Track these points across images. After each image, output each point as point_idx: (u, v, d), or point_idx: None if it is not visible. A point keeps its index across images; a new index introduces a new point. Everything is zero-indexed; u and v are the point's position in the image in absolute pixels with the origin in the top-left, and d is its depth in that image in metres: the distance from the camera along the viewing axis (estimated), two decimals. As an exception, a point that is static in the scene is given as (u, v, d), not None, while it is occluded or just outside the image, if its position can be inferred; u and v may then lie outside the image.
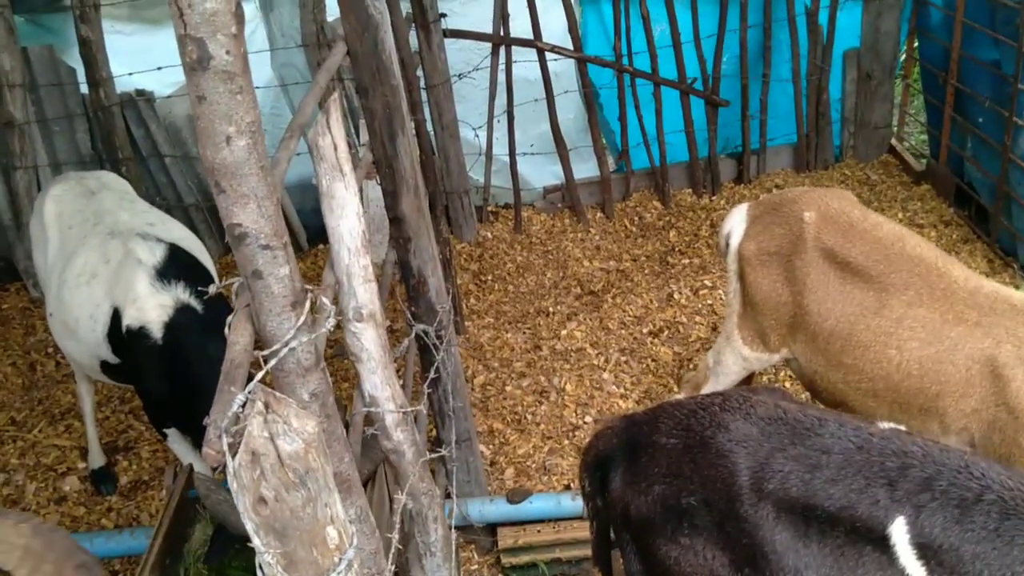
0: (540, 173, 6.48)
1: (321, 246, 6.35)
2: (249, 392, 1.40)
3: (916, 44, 6.30)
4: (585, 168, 6.41)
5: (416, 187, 3.43)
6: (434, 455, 3.04)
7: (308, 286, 1.79)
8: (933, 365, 2.90)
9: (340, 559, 1.46)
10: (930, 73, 6.04)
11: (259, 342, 1.75)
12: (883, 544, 2.02)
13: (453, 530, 3.28)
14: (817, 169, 6.49)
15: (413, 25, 5.55)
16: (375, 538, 1.99)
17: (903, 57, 6.50)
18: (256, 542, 1.37)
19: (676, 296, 5.45)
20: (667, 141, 6.29)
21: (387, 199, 3.43)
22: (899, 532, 2.01)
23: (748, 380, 4.10)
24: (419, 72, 5.63)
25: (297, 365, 1.75)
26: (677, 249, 5.94)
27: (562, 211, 6.50)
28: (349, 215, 2.48)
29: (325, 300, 1.79)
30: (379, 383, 2.65)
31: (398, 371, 4.10)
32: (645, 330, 5.21)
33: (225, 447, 1.34)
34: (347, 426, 2.65)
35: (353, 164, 2.30)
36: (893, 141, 6.55)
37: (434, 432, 4.08)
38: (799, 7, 5.99)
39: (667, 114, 6.21)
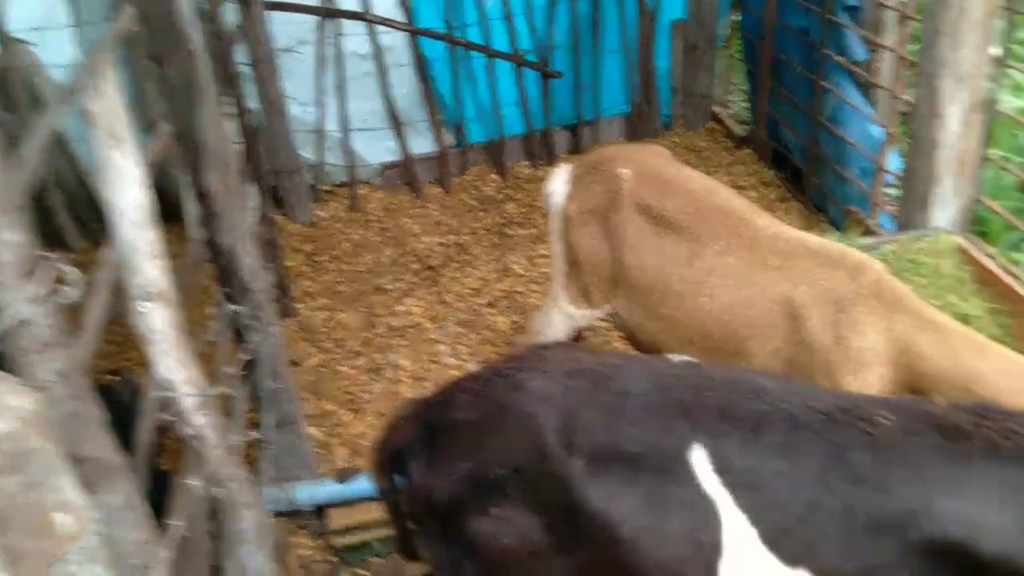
0: (376, 149, 6.31)
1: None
2: (-52, 368, 1.22)
3: (738, 15, 6.54)
4: (422, 143, 6.29)
5: (224, 161, 3.23)
6: (238, 440, 2.87)
7: (47, 254, 1.61)
8: (741, 310, 2.99)
9: (74, 548, 1.31)
10: (750, 42, 6.28)
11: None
12: (688, 477, 2.04)
13: (272, 516, 3.13)
14: (648, 138, 6.64)
15: (230, -5, 5.25)
16: (144, 527, 1.82)
17: (728, 29, 6.73)
18: (-37, 536, 1.20)
19: (513, 267, 5.45)
20: (503, 114, 6.27)
21: (191, 174, 3.20)
22: (700, 461, 2.04)
23: (577, 340, 4.14)
24: (241, 45, 5.34)
25: (35, 341, 1.56)
26: (515, 221, 5.94)
27: (400, 187, 6.36)
28: (130, 186, 2.29)
29: (67, 268, 1.61)
30: (174, 365, 2.47)
31: (209, 354, 3.85)
32: (483, 301, 5.18)
33: (-84, 431, 1.16)
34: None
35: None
36: (717, 109, 6.78)
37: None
38: (625, -22, 6.08)
39: (502, 87, 6.18)
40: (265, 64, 5.49)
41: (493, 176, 6.45)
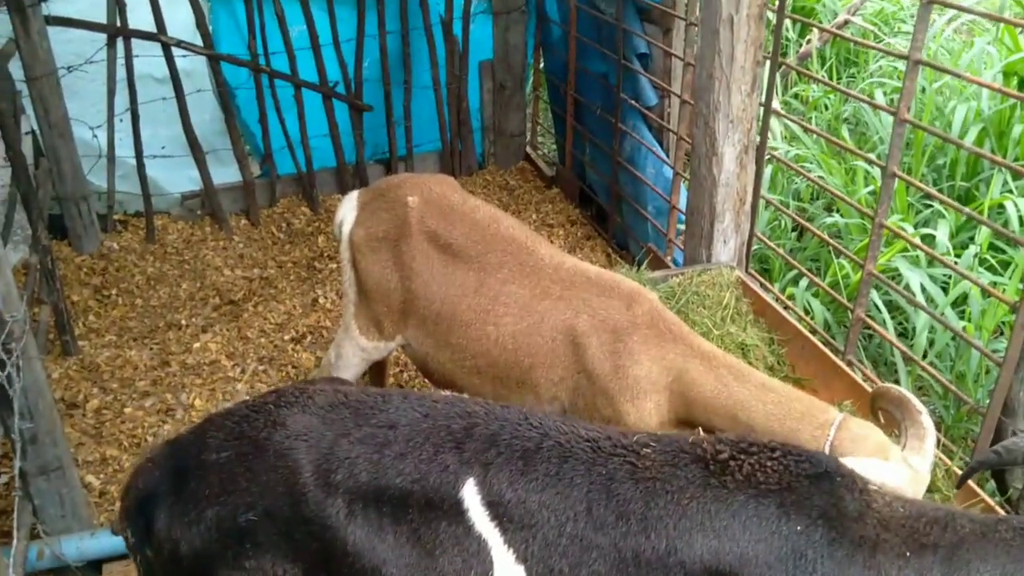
0: (176, 178, 6.00)
1: None
2: None
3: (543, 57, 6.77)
4: (226, 173, 6.05)
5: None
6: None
7: None
8: (525, 339, 3.02)
9: None
10: (554, 85, 6.51)
11: None
12: (457, 512, 1.96)
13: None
14: (462, 175, 6.70)
15: (6, 7, 4.86)
16: None
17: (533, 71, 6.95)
18: None
19: (321, 300, 5.30)
20: (313, 146, 6.14)
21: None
22: (470, 494, 1.96)
23: (381, 373, 4.05)
24: (16, 61, 4.94)
25: None
26: (325, 254, 5.80)
27: (202, 219, 6.07)
28: None
29: None
30: None
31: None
32: (287, 337, 4.99)
33: None
34: None
35: None
36: (528, 149, 6.96)
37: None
38: (434, 16, 6.15)
39: (311, 118, 6.06)
40: (45, 82, 5.10)
41: (303, 209, 6.29)
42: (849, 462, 2.16)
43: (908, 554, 1.91)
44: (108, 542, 3.44)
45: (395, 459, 2.00)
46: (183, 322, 5.07)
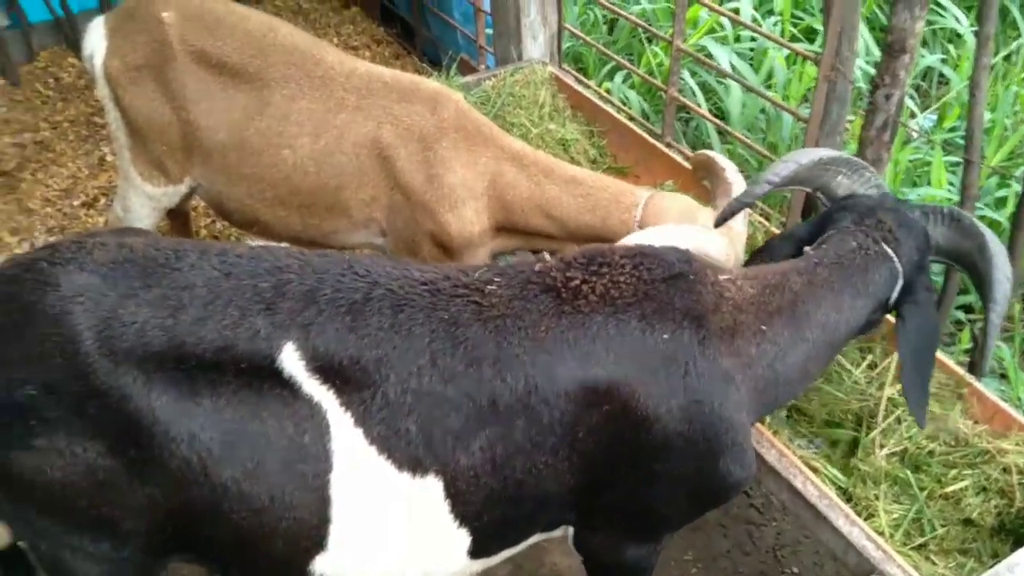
0: (-96, 39, 5.09)
1: None
2: None
3: None
4: (-34, 27, 5.19)
5: None
6: None
7: None
8: (326, 158, 2.76)
9: None
10: None
11: None
12: (280, 378, 1.76)
13: None
14: (242, 2, 6.03)
15: None
16: None
17: None
18: None
19: (109, 158, 4.77)
20: (68, -16, 5.33)
21: None
22: (291, 361, 1.76)
23: (184, 227, 3.71)
24: None
25: None
26: (106, 108, 5.17)
27: (-54, 83, 5.24)
28: None
29: None
30: None
31: None
32: (76, 203, 4.50)
33: None
34: None
35: None
36: (319, -34, 6.34)
37: None
38: None
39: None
40: None
41: (71, 60, 5.54)
42: (655, 232, 2.11)
43: (763, 328, 1.95)
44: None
45: (193, 325, 1.74)
46: (-52, 203, 4.45)
